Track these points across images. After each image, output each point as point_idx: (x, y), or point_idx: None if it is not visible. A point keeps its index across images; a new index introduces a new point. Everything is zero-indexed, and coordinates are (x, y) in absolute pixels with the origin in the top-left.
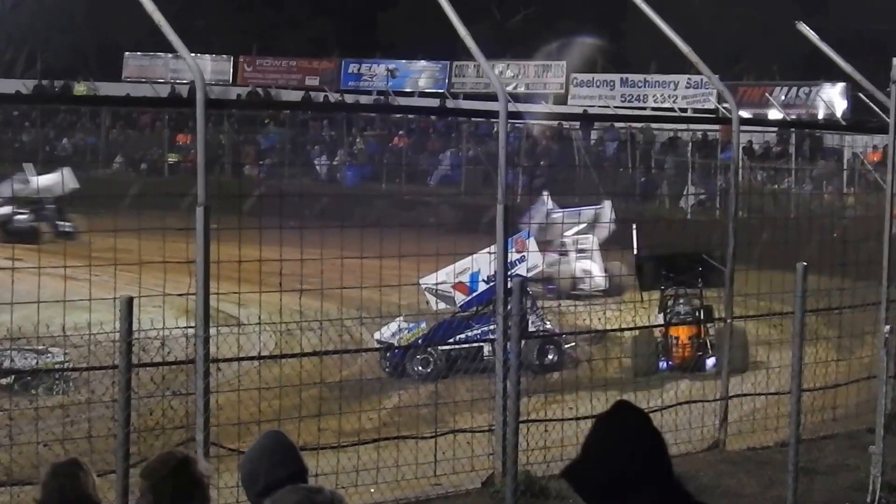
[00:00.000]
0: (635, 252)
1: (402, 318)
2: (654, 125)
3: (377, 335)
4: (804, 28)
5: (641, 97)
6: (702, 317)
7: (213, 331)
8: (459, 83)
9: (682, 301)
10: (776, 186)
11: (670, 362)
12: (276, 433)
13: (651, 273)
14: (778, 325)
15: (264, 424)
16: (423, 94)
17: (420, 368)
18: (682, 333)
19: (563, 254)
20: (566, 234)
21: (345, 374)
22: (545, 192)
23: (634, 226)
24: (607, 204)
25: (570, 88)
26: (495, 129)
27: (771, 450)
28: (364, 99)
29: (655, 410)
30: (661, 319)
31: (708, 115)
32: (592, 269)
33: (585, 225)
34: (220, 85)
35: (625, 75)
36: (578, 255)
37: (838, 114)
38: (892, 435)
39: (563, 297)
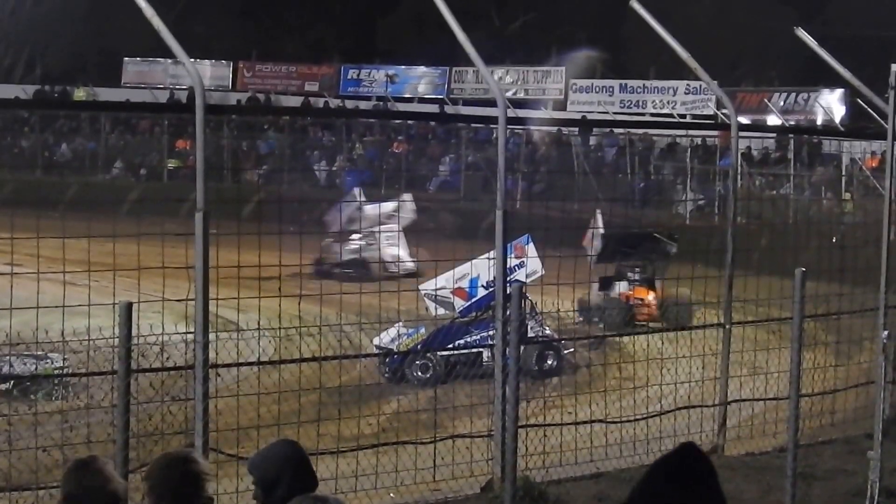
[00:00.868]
0: (601, 232)
1: (401, 323)
2: (653, 131)
3: (376, 341)
4: (803, 34)
5: (640, 103)
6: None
7: (212, 336)
8: (459, 89)
9: (637, 269)
10: (774, 192)
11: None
12: (294, 444)
13: (611, 249)
14: (776, 331)
15: (263, 430)
16: (422, 100)
17: (419, 374)
18: (644, 295)
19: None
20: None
21: (344, 379)
22: (356, 189)
23: (598, 210)
24: (408, 196)
25: (570, 94)
26: (494, 134)
27: (769, 455)
28: (363, 105)
29: (654, 416)
30: (622, 286)
31: (707, 121)
32: (401, 254)
33: (391, 215)
34: (219, 90)
35: (624, 81)
36: (387, 242)
37: (837, 120)
38: (890, 440)
39: (375, 280)
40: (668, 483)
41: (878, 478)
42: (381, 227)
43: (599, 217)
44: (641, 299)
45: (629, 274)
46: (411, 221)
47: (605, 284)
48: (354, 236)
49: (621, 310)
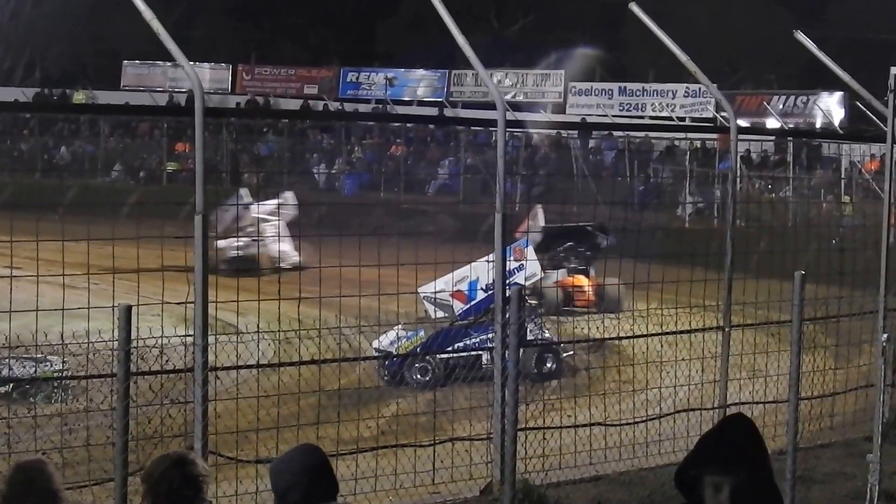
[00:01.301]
0: (542, 225)
1: (400, 326)
2: (652, 134)
3: (375, 343)
4: (802, 37)
5: (640, 106)
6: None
7: (211, 339)
8: (458, 92)
9: (574, 259)
10: (773, 195)
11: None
12: (314, 450)
13: (549, 240)
14: (776, 334)
15: (263, 433)
16: (421, 103)
17: (418, 377)
18: (581, 282)
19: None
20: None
21: (343, 382)
22: (240, 189)
23: (539, 205)
24: (290, 193)
25: (569, 97)
26: (494, 137)
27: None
28: (363, 107)
29: (653, 419)
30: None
31: (706, 123)
32: (285, 248)
33: (273, 212)
34: (218, 93)
35: (623, 84)
36: (275, 238)
37: (836, 123)
38: (889, 443)
39: (267, 274)
40: (714, 450)
41: (878, 481)
42: (266, 223)
43: (539, 211)
44: (580, 286)
45: (571, 264)
46: (293, 217)
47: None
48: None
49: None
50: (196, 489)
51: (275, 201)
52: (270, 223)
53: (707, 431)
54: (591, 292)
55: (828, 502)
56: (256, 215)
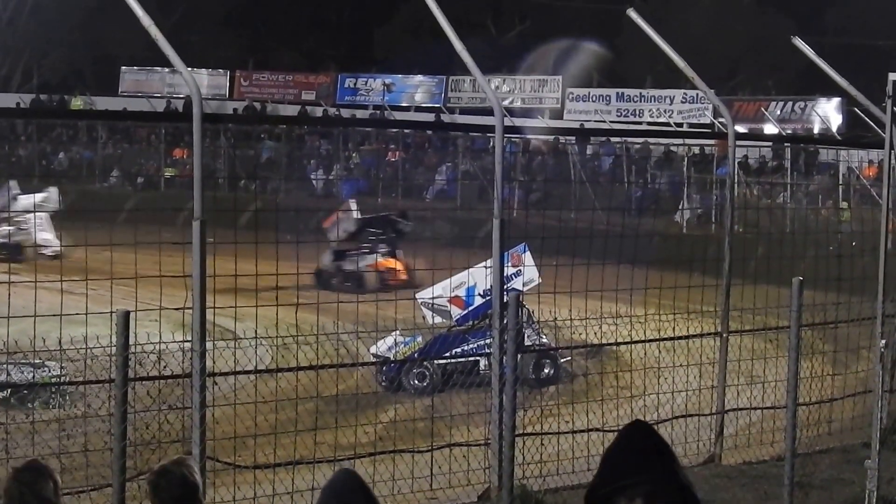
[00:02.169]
0: (356, 216)
1: (398, 332)
2: (650, 140)
3: (373, 349)
4: (800, 43)
5: (637, 112)
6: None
7: (209, 345)
8: (456, 98)
9: (383, 245)
10: (770, 201)
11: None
12: (350, 473)
13: (360, 230)
14: (774, 340)
15: (260, 438)
16: (419, 109)
17: (416, 382)
18: (392, 264)
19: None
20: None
21: (341, 388)
22: (10, 181)
23: (352, 200)
24: (53, 190)
25: (566, 103)
26: (491, 143)
27: (767, 464)
28: (360, 113)
29: (651, 424)
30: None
31: (704, 129)
32: (48, 237)
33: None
34: (216, 99)
35: (621, 90)
36: (38, 227)
37: (834, 129)
38: (887, 449)
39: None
40: (621, 463)
41: (876, 487)
42: (33, 213)
43: (353, 204)
44: (392, 268)
45: (380, 248)
46: (56, 210)
47: (339, 256)
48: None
49: (368, 276)
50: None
51: (43, 194)
52: (31, 215)
53: (609, 447)
54: (403, 272)
55: None
56: (26, 206)
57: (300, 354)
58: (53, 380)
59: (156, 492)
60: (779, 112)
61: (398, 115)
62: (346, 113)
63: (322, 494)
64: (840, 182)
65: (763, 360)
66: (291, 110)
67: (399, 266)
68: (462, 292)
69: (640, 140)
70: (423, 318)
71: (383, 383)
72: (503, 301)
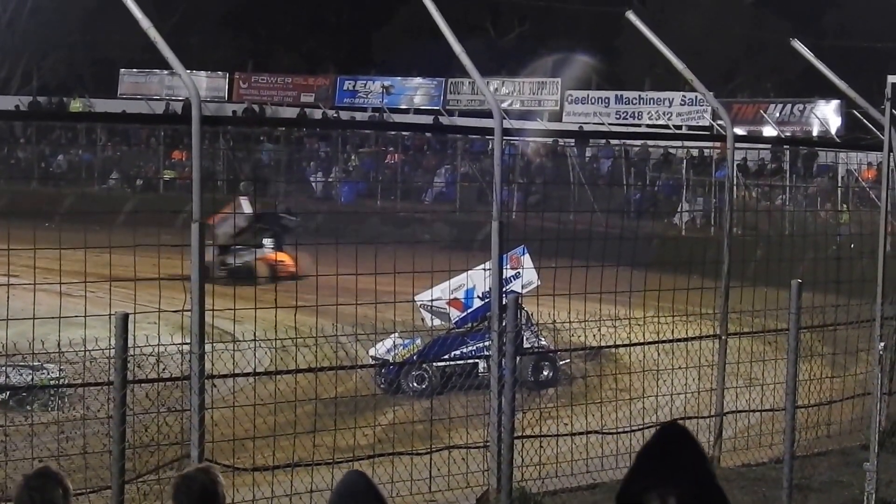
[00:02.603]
0: (246, 212)
1: (397, 334)
2: (649, 142)
3: (372, 352)
4: (799, 46)
5: (636, 114)
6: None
7: (208, 347)
8: (455, 100)
9: (269, 241)
10: (769, 203)
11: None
12: (360, 475)
13: (249, 226)
14: (773, 342)
15: (259, 441)
16: (418, 111)
17: (415, 385)
18: (284, 257)
19: None
20: None
21: (340, 390)
22: None
23: (243, 197)
24: None
25: (565, 105)
26: (490, 145)
27: (766, 466)
28: (359, 116)
29: (650, 427)
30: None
31: (703, 132)
32: None
33: None
34: (215, 101)
35: (620, 92)
36: None
37: (833, 131)
38: (886, 452)
39: None
40: (655, 464)
41: (874, 489)
42: None
43: (244, 202)
44: (282, 260)
45: (268, 242)
46: None
47: (223, 251)
48: None
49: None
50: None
51: None
52: None
53: (644, 446)
54: (291, 264)
55: None
56: None
57: (299, 357)
58: (52, 382)
59: (177, 497)
60: (778, 114)
61: (397, 118)
62: (344, 115)
63: (334, 496)
64: (839, 184)
65: (762, 363)
66: (290, 112)
67: (287, 259)
68: (461, 294)
69: (639, 142)
70: (422, 320)
71: (382, 386)
72: (502, 303)
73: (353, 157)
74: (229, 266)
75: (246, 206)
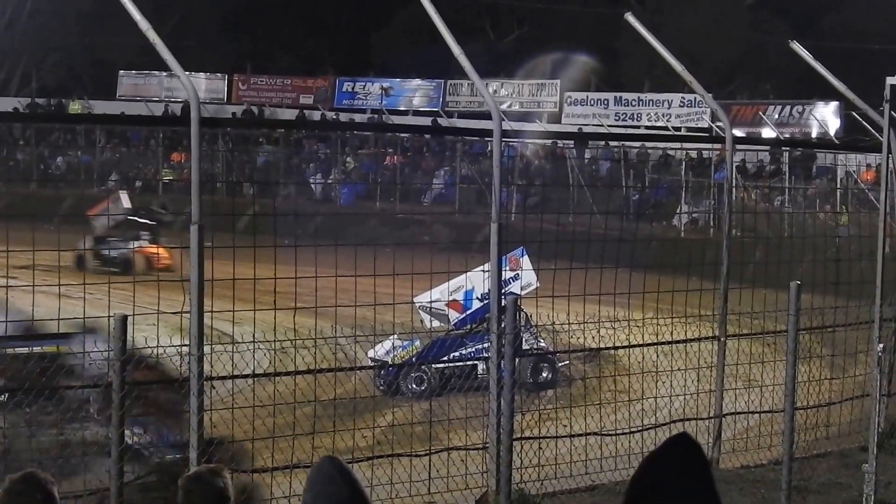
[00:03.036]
0: (124, 207)
1: (396, 336)
2: (648, 144)
3: (371, 353)
4: (797, 47)
5: (635, 116)
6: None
7: (207, 349)
8: (454, 102)
9: (146, 234)
10: (768, 205)
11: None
12: (330, 459)
13: (127, 220)
14: (771, 344)
15: (258, 443)
16: (417, 113)
17: (414, 386)
18: (159, 249)
19: None
20: None
21: (339, 392)
22: None
23: (122, 192)
24: None
25: (564, 107)
26: (489, 147)
27: (764, 468)
28: (358, 117)
29: (649, 428)
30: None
31: (701, 133)
32: None
33: None
34: (214, 103)
35: (619, 94)
36: None
37: (832, 132)
38: (884, 453)
39: None
40: (661, 475)
41: (873, 491)
42: None
43: (122, 196)
44: (157, 252)
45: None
46: None
47: (99, 241)
48: None
49: (129, 259)
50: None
51: None
52: None
53: (650, 455)
54: (168, 257)
55: None
56: None
57: (298, 358)
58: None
59: (188, 497)
60: (777, 116)
61: (396, 119)
62: (344, 117)
63: (307, 483)
64: (838, 186)
65: (761, 364)
66: (289, 114)
67: (162, 252)
68: (460, 296)
69: (638, 144)
70: (421, 321)
71: (381, 387)
72: (501, 305)
73: (348, 160)
74: (104, 257)
75: (125, 201)
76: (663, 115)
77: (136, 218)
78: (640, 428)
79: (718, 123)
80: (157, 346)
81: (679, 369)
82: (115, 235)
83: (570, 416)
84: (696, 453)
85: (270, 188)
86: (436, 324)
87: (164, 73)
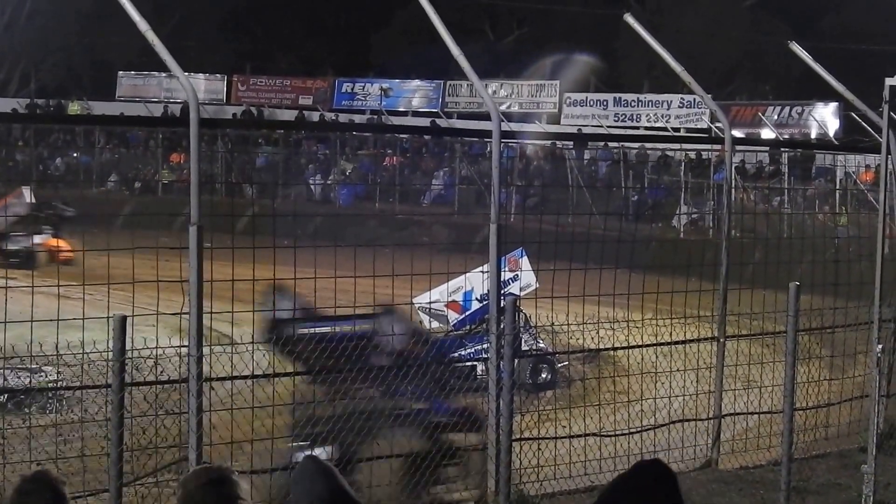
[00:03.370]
0: (27, 202)
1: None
2: (647, 145)
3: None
4: (797, 48)
5: (634, 116)
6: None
7: (206, 350)
8: (453, 102)
9: (49, 229)
10: (767, 206)
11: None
12: (310, 458)
13: (27, 215)
14: (771, 345)
15: (257, 444)
16: (416, 114)
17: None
18: (62, 243)
19: None
20: None
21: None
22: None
23: (25, 187)
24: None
25: (564, 108)
26: (488, 148)
27: (763, 469)
28: (358, 118)
29: (648, 429)
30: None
31: (701, 134)
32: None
33: None
34: (213, 104)
35: (618, 95)
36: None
37: (831, 133)
38: (884, 454)
39: None
40: (625, 497)
41: (872, 492)
42: None
43: (25, 191)
44: (58, 246)
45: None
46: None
47: (2, 237)
48: None
49: (35, 254)
50: None
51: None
52: None
53: (621, 476)
54: (69, 251)
55: None
56: None
57: None
58: (50, 385)
59: (190, 499)
60: (776, 117)
61: (395, 120)
62: (343, 117)
63: (291, 484)
64: (837, 187)
65: (760, 365)
66: (288, 115)
67: (65, 245)
68: (459, 297)
69: (637, 145)
70: (420, 322)
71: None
72: (500, 306)
73: (343, 162)
74: (5, 251)
75: (27, 196)
76: (662, 116)
77: (37, 213)
78: (639, 429)
79: (718, 124)
80: (157, 347)
81: (678, 370)
82: (18, 230)
83: (570, 416)
84: (666, 481)
85: (270, 189)
86: (435, 325)
87: (164, 74)
